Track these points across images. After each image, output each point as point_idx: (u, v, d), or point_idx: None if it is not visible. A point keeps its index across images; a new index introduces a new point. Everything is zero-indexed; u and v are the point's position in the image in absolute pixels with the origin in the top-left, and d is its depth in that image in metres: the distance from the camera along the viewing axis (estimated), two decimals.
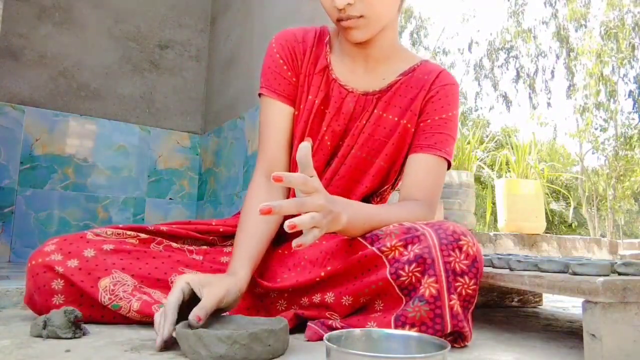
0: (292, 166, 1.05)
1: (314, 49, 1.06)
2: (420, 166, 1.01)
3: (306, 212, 0.71)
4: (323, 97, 1.04)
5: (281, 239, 1.06)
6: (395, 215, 0.92)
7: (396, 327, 0.77)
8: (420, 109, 1.04)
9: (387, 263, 0.83)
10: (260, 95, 1.06)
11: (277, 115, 1.04)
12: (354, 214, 0.83)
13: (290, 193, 1.03)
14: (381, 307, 0.84)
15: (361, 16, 0.92)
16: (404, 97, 1.04)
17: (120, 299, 0.86)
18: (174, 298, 0.73)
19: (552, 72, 14.40)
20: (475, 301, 0.82)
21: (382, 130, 1.04)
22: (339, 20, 0.95)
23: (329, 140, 1.04)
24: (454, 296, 0.78)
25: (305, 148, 0.70)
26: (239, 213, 1.18)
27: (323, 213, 0.72)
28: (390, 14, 0.98)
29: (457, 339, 0.80)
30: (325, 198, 0.74)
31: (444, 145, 1.02)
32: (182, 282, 0.75)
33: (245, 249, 0.89)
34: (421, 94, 1.04)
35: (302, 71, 1.05)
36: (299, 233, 1.05)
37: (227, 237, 1.09)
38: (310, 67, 1.05)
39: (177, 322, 0.71)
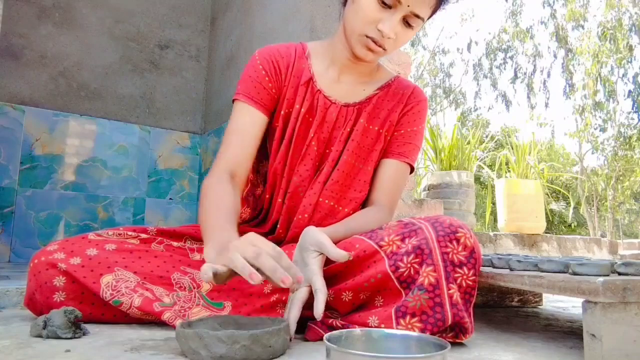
0: (271, 176, 1.09)
1: (296, 63, 1.12)
2: (389, 171, 1.12)
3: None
4: (309, 106, 1.09)
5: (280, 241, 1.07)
6: (364, 224, 0.99)
7: (397, 318, 0.78)
8: (397, 120, 1.14)
9: (385, 257, 0.84)
10: (234, 100, 1.09)
11: (251, 121, 1.07)
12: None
13: (245, 190, 1.12)
14: (381, 303, 0.85)
15: (386, 49, 1.01)
16: (383, 109, 1.14)
17: (122, 294, 0.87)
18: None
19: (549, 72, 14.38)
20: (476, 293, 0.82)
21: (369, 140, 1.12)
22: (366, 37, 1.00)
23: (316, 146, 1.09)
24: (453, 286, 0.79)
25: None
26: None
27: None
28: None
29: (459, 333, 0.80)
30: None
31: (412, 154, 1.14)
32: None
33: (229, 220, 0.90)
34: (398, 107, 1.14)
35: (286, 83, 1.11)
36: (293, 234, 1.07)
37: None
38: (294, 80, 1.10)
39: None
